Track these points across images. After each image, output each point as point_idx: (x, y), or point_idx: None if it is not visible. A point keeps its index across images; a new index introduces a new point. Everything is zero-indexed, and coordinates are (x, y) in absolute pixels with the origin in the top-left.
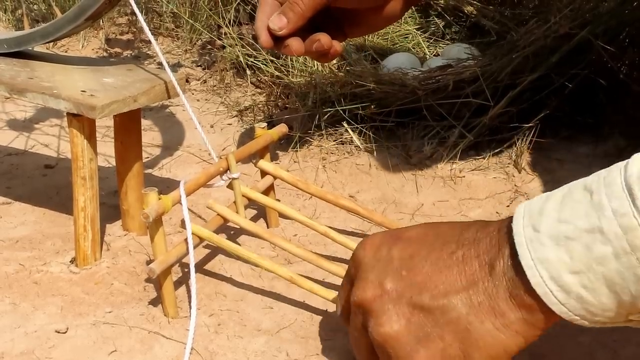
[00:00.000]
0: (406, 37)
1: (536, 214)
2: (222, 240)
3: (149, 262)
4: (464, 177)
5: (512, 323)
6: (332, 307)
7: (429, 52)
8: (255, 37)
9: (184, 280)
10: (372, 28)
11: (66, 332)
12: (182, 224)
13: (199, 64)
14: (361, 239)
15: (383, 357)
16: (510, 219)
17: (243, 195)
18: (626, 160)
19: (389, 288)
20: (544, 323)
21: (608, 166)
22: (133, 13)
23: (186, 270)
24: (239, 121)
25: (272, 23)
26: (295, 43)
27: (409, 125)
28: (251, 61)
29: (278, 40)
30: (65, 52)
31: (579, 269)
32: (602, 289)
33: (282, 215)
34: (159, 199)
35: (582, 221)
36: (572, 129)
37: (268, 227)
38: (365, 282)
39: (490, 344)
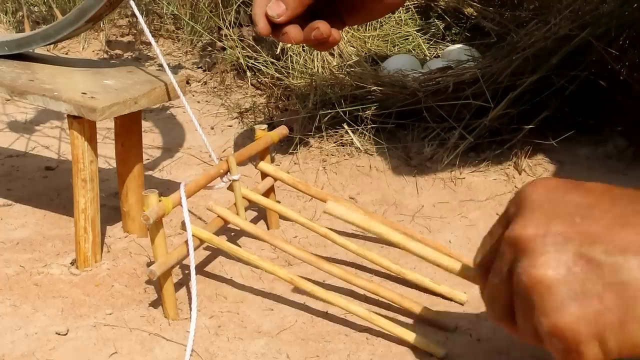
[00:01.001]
0: (406, 39)
1: None
2: (222, 242)
3: (149, 264)
4: (464, 178)
5: None
6: (332, 310)
7: (429, 53)
8: (255, 39)
9: (184, 282)
10: (371, 16)
11: (66, 333)
12: (183, 225)
13: (200, 66)
14: (361, 240)
15: (523, 306)
16: None
17: (243, 197)
18: None
19: (556, 230)
20: None
21: (608, 167)
22: (134, 15)
23: (186, 272)
24: (239, 123)
25: (271, 10)
26: (293, 30)
27: (409, 126)
28: (251, 63)
29: (276, 27)
30: (66, 54)
31: None
32: None
33: (283, 217)
34: (160, 200)
35: None
36: (573, 131)
37: (268, 229)
38: (528, 219)
39: None
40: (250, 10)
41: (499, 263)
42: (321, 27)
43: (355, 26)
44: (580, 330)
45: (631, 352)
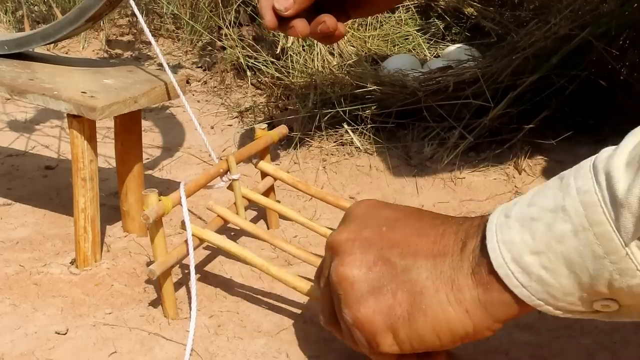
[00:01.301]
0: (406, 39)
1: (512, 204)
2: (222, 241)
3: (149, 264)
4: (464, 178)
5: (465, 300)
6: None
7: (429, 53)
8: (255, 38)
9: (184, 282)
10: (376, 9)
11: (66, 333)
12: (182, 225)
13: (200, 65)
14: None
15: (336, 304)
16: None
17: (243, 197)
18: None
19: (364, 236)
20: (500, 310)
21: None
22: (134, 14)
23: (186, 271)
24: (239, 122)
25: (278, 3)
26: (300, 24)
27: (409, 126)
28: (251, 62)
29: (282, 21)
30: (66, 53)
31: (539, 249)
32: (561, 269)
33: (283, 217)
34: (159, 200)
35: (548, 202)
36: (573, 130)
37: (268, 229)
38: (345, 228)
39: (436, 315)
40: (251, 10)
41: (324, 268)
42: (327, 20)
43: (356, 25)
44: (376, 321)
45: (420, 345)
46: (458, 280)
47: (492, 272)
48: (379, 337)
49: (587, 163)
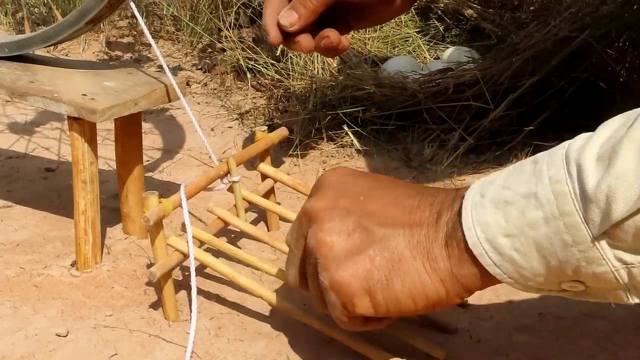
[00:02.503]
0: (406, 41)
1: (487, 183)
2: (222, 244)
3: (149, 266)
4: (464, 180)
5: (439, 270)
6: None
7: (429, 55)
8: (255, 40)
9: (184, 284)
10: (379, 20)
11: (67, 335)
12: (183, 227)
13: (200, 67)
14: None
15: (309, 263)
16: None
17: (243, 199)
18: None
19: (342, 204)
20: (471, 282)
21: None
22: (134, 16)
23: (187, 273)
24: (239, 124)
25: (283, 19)
26: (305, 39)
27: (409, 128)
28: (251, 64)
29: (287, 36)
30: (66, 55)
31: (512, 233)
32: (532, 253)
33: (283, 219)
34: (160, 202)
35: (522, 187)
36: (573, 132)
37: (269, 231)
38: (321, 196)
39: (413, 281)
40: (250, 12)
41: (297, 232)
42: (331, 35)
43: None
44: (354, 284)
45: (396, 308)
46: (433, 251)
47: (467, 250)
48: (356, 299)
49: (559, 151)
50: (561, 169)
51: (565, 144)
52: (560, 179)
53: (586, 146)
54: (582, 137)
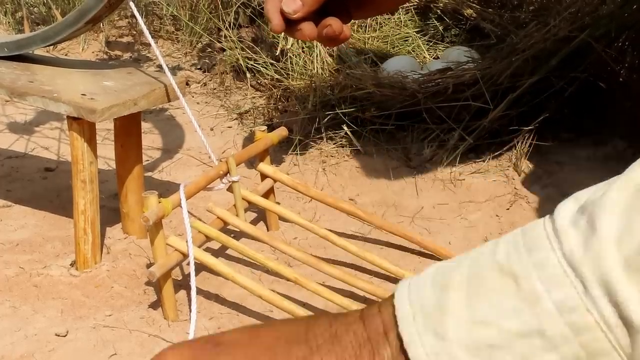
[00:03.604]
0: (406, 40)
1: (435, 311)
2: (229, 239)
3: (149, 265)
4: (463, 180)
5: None
6: (332, 308)
7: (428, 55)
8: (254, 40)
9: (184, 284)
10: (379, 10)
11: (66, 335)
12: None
13: (199, 67)
14: (362, 242)
15: None
16: (389, 306)
17: (243, 198)
18: (551, 220)
19: None
20: None
21: (608, 169)
22: (133, 16)
23: (186, 273)
24: (239, 124)
25: (287, 6)
26: (308, 27)
27: (409, 128)
28: (251, 64)
29: (290, 24)
30: (66, 55)
31: None
32: None
33: (282, 218)
34: (159, 202)
35: (510, 320)
36: (572, 132)
37: (268, 230)
38: None
39: None
40: (250, 12)
41: None
42: (333, 24)
43: (355, 27)
44: None
45: None
46: None
47: None
48: None
49: (550, 256)
50: (570, 288)
51: (549, 236)
52: (574, 305)
53: (602, 251)
54: (574, 225)
